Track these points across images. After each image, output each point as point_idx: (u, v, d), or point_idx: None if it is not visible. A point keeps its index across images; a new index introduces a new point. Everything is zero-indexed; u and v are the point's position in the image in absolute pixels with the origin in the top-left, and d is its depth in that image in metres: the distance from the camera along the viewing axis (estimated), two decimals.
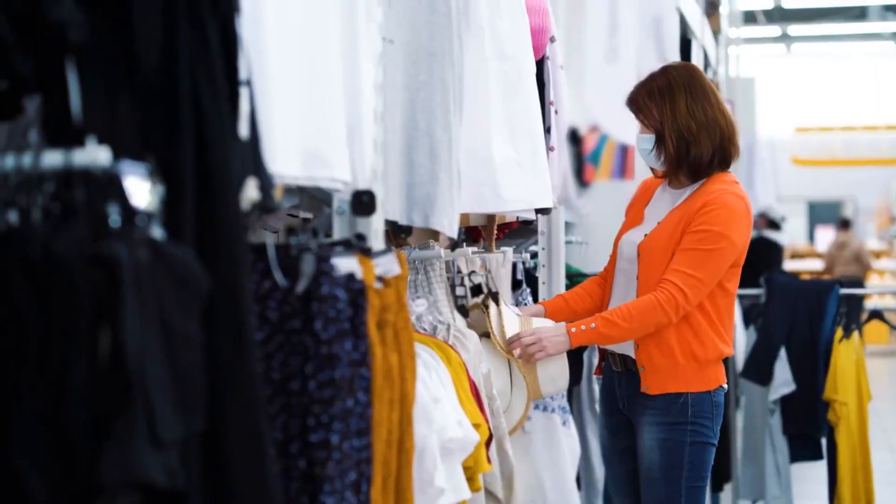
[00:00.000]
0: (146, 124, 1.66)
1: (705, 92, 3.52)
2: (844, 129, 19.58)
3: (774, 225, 12.16)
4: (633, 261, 3.51)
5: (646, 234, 3.52)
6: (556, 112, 3.85)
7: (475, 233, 4.11)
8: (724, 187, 3.47)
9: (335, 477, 2.06)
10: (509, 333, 3.41)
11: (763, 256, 9.54)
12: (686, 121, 3.47)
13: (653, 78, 3.55)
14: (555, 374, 3.54)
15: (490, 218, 3.81)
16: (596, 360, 4.60)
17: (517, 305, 3.95)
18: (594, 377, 4.64)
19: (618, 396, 3.58)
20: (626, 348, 3.51)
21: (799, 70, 20.62)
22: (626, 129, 4.87)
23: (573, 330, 3.38)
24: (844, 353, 5.77)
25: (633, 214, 3.65)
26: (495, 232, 3.86)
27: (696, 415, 3.45)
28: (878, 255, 17.98)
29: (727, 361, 6.46)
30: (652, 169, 3.63)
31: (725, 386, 3.54)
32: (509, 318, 3.48)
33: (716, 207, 3.43)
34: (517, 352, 3.38)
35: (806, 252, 18.45)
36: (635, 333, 3.41)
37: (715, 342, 3.46)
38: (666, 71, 3.56)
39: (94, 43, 1.60)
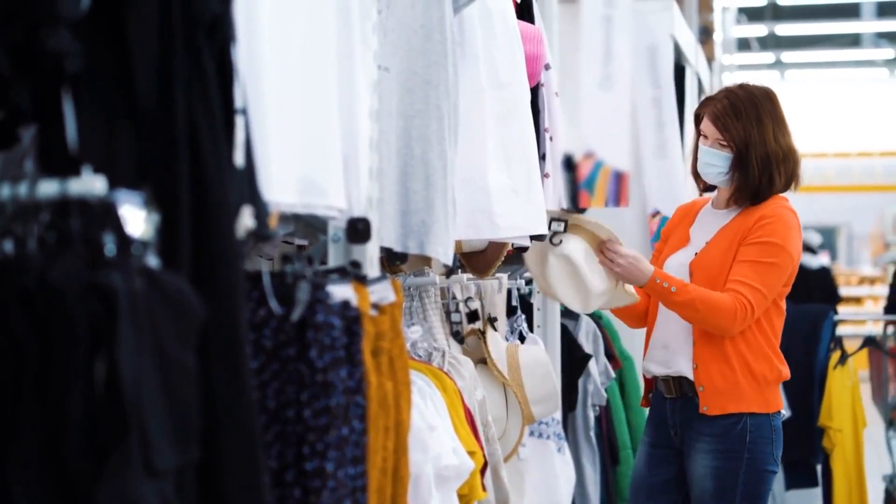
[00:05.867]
0: (142, 153, 1.66)
1: (783, 119, 3.51)
2: (838, 155, 19.63)
3: (810, 249, 11.87)
4: (686, 277, 3.46)
5: (696, 253, 3.49)
6: (550, 139, 3.85)
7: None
8: (778, 202, 3.47)
9: None
10: (499, 361, 3.42)
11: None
12: (774, 148, 3.45)
13: (733, 93, 3.51)
14: (544, 395, 3.53)
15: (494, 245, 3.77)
16: (591, 388, 4.61)
17: (512, 332, 3.95)
18: (591, 405, 4.62)
19: (670, 424, 3.51)
20: (685, 369, 3.46)
21: (793, 97, 20.65)
22: (621, 155, 4.87)
23: (657, 280, 3.36)
24: (839, 379, 5.77)
25: (678, 237, 3.61)
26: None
27: (753, 441, 3.40)
28: (872, 281, 17.98)
29: None
30: (705, 187, 3.60)
31: (784, 412, 3.50)
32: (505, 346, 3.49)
33: (773, 220, 3.41)
34: (610, 255, 3.40)
35: None
36: (695, 320, 3.38)
37: (773, 361, 3.43)
38: (747, 89, 3.53)
39: (90, 72, 1.60)
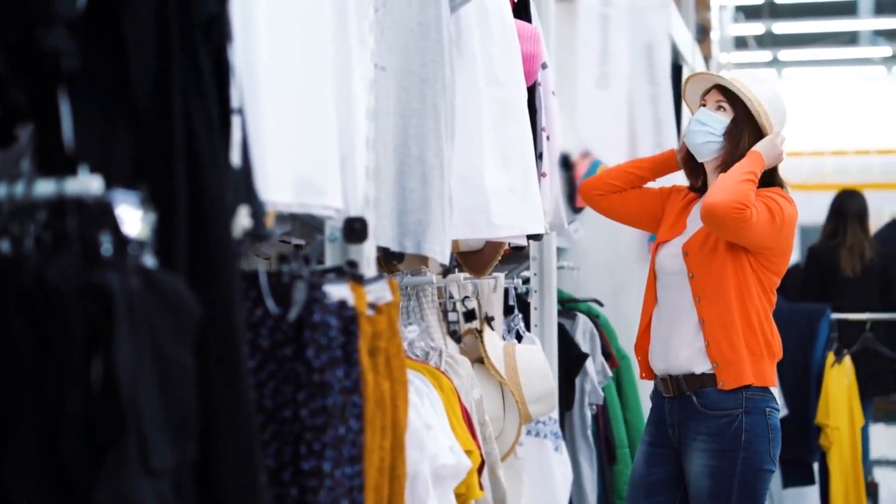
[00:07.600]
0: (139, 152, 1.66)
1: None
2: (836, 153, 19.63)
3: None
4: (680, 262, 3.49)
5: (690, 237, 3.52)
6: (547, 138, 3.86)
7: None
8: (777, 189, 3.50)
9: None
10: (496, 360, 3.41)
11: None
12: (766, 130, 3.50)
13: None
14: (541, 394, 3.53)
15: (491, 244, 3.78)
16: (588, 387, 4.61)
17: (509, 331, 3.95)
18: (588, 404, 4.62)
19: (668, 423, 3.53)
20: (685, 362, 3.47)
21: (790, 95, 20.63)
22: (617, 154, 4.88)
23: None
24: (836, 377, 5.77)
25: (673, 223, 3.63)
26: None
27: (749, 440, 3.41)
28: None
29: None
30: (691, 181, 3.64)
31: (778, 408, 3.51)
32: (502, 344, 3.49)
33: (775, 194, 3.45)
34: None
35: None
36: (734, 179, 3.38)
37: (769, 336, 3.45)
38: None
39: (87, 71, 1.61)
